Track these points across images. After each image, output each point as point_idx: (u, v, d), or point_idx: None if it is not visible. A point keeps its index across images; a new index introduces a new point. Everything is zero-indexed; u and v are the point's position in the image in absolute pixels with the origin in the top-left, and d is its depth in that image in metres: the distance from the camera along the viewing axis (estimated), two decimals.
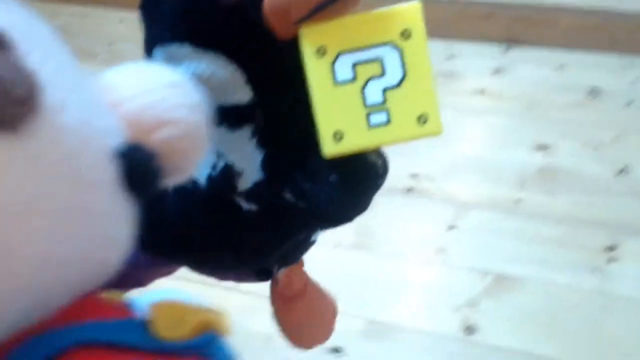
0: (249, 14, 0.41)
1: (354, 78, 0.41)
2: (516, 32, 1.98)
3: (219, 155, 0.44)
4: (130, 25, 2.19)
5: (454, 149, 1.60)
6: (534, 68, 1.91)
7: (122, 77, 0.38)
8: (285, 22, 0.39)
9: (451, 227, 1.37)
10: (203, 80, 0.42)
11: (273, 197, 0.45)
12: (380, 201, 1.44)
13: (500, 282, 1.24)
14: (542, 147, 1.59)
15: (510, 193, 1.45)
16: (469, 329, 1.16)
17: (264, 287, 1.25)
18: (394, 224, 1.39)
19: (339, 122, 0.41)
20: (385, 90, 0.40)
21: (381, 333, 1.17)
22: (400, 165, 1.55)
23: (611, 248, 1.28)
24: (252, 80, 0.43)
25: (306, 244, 0.51)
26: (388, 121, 0.41)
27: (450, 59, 1.95)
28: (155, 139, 0.36)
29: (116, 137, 0.34)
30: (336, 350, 1.14)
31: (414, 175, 1.51)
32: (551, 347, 1.12)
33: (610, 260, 1.26)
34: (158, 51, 0.44)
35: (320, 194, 0.45)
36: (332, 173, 0.45)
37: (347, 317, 1.19)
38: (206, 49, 0.42)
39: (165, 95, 0.37)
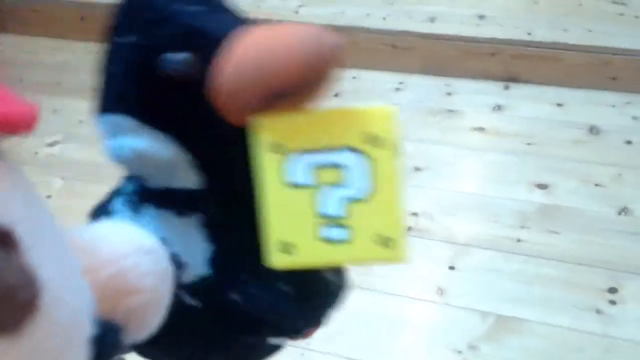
0: (195, 93, 0.36)
1: (311, 183, 0.36)
2: (516, 69, 1.99)
3: (164, 241, 0.40)
4: None
5: (453, 187, 1.60)
6: (533, 105, 1.91)
7: (98, 237, 0.38)
8: (236, 107, 0.35)
9: (451, 267, 1.36)
10: (146, 158, 0.39)
11: (219, 295, 0.41)
12: None
13: (502, 324, 1.23)
14: (543, 186, 1.59)
15: (511, 232, 1.44)
16: None
17: None
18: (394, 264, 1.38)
19: (289, 232, 0.37)
20: (346, 203, 0.36)
21: None
22: None
23: (613, 290, 1.27)
24: (201, 165, 0.39)
25: (264, 349, 0.46)
26: (347, 239, 0.36)
27: (450, 96, 1.95)
28: (123, 307, 0.36)
29: (92, 318, 0.34)
30: None
31: (414, 214, 1.51)
32: None
33: (613, 302, 1.25)
34: (105, 119, 0.41)
35: (268, 301, 0.41)
36: (282, 282, 0.41)
37: (344, 358, 1.17)
38: (150, 125, 0.39)
39: (137, 262, 0.37)
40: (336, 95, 1.97)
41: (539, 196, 1.56)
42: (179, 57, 0.36)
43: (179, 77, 0.36)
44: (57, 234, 0.34)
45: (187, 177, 0.40)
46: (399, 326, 1.25)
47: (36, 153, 1.78)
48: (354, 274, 1.32)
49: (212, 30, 0.36)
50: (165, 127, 0.38)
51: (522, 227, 1.46)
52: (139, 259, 0.38)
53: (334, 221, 0.36)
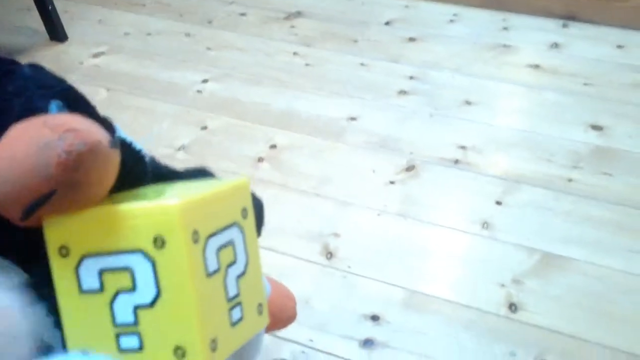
0: None
1: (101, 288, 0.33)
2: (577, 7, 1.91)
3: (35, 332, 0.38)
4: None
5: (505, 123, 1.55)
6: (592, 45, 1.84)
7: None
8: (14, 215, 0.33)
9: (499, 202, 1.33)
10: None
11: None
12: (427, 170, 1.41)
13: (548, 262, 1.20)
14: (598, 127, 1.53)
15: (563, 172, 1.40)
16: (512, 307, 1.12)
17: (305, 250, 1.22)
18: (440, 195, 1.35)
19: (87, 340, 0.34)
20: (136, 309, 0.33)
21: (421, 304, 1.14)
22: (448, 135, 1.51)
23: None
24: (20, 262, 0.38)
25: None
26: (140, 347, 0.33)
27: (506, 31, 1.88)
28: None
29: None
30: (374, 317, 1.11)
31: (462, 147, 1.47)
32: (597, 331, 1.08)
33: None
34: None
35: None
36: None
37: (388, 286, 1.16)
38: None
39: None
40: (387, 23, 1.92)
41: (593, 137, 1.50)
42: None
43: None
44: None
45: (16, 274, 0.39)
46: (442, 257, 1.23)
47: (81, 63, 1.76)
48: (398, 203, 1.30)
49: None
50: None
51: (575, 167, 1.41)
52: None
53: (127, 329, 0.34)
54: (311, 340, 1.07)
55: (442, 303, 1.14)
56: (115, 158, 0.34)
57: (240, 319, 0.35)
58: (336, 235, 1.26)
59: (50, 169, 0.31)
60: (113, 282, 0.34)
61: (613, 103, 1.62)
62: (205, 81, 1.68)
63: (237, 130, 1.52)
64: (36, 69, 0.39)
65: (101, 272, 0.34)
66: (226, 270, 0.35)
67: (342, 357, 1.06)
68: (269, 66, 1.75)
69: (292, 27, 1.92)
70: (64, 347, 0.37)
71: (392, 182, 1.38)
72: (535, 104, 1.62)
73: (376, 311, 1.12)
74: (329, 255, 1.22)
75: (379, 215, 1.30)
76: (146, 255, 0.33)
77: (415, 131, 1.52)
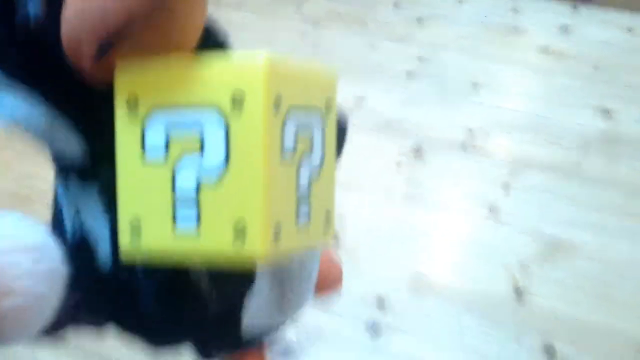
0: (51, 45, 0.31)
1: (166, 149, 0.30)
2: None
3: (77, 213, 0.35)
4: None
5: (512, 106, 1.54)
6: (602, 29, 1.82)
7: None
8: (83, 60, 0.30)
9: (506, 186, 1.32)
10: (15, 120, 0.34)
11: (125, 274, 0.35)
12: (432, 153, 1.40)
13: (555, 246, 1.19)
14: (606, 111, 1.52)
15: (570, 156, 1.39)
16: (518, 291, 1.12)
17: None
18: (446, 178, 1.34)
19: (140, 211, 0.31)
20: (199, 179, 0.29)
21: (427, 287, 1.14)
22: (455, 118, 1.50)
23: None
24: (80, 127, 0.34)
25: (243, 336, 0.39)
26: (196, 224, 0.29)
27: (515, 13, 1.87)
28: None
29: None
30: (380, 300, 1.11)
31: (470, 130, 1.46)
32: (602, 315, 1.08)
33: None
34: None
35: (149, 289, 0.35)
36: (153, 274, 0.35)
37: (394, 268, 1.16)
38: (17, 82, 0.33)
39: (17, 259, 0.34)
40: (395, 4, 1.90)
41: (601, 121, 1.49)
42: (29, 8, 0.31)
43: (33, 27, 0.31)
44: None
45: (70, 143, 0.34)
46: (448, 241, 1.22)
47: None
48: (403, 185, 1.30)
49: None
50: (30, 83, 0.33)
51: (583, 151, 1.40)
52: (16, 258, 0.35)
53: (185, 201, 0.30)
54: (317, 322, 1.07)
55: (446, 287, 1.14)
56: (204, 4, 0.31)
57: (308, 221, 0.31)
58: (341, 216, 1.26)
59: None
60: (179, 142, 0.30)
61: (622, 87, 1.60)
62: None
63: None
64: None
65: (168, 130, 0.30)
66: (301, 159, 0.31)
67: (347, 339, 1.06)
68: (276, 46, 1.74)
69: (299, 7, 1.91)
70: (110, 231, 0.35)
71: (398, 164, 1.37)
72: (543, 87, 1.61)
73: (382, 294, 1.12)
74: (334, 238, 1.22)
75: (384, 197, 1.30)
76: (221, 114, 0.29)
77: (422, 113, 1.51)
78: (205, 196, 0.29)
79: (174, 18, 0.29)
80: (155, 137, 0.30)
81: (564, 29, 1.81)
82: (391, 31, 1.79)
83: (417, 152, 1.39)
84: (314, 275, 0.41)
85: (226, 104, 0.29)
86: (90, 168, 0.34)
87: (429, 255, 1.20)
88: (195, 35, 0.31)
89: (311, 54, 1.71)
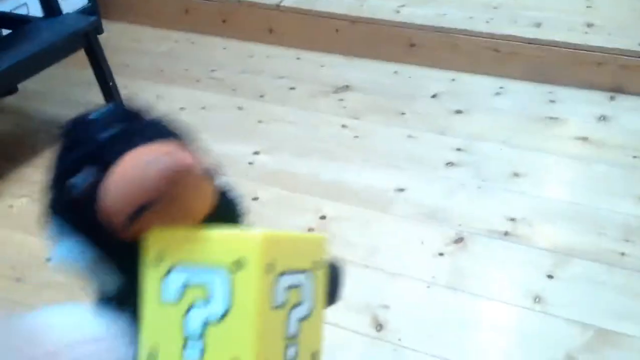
0: (91, 213, 0.41)
1: (180, 299, 0.39)
2: (624, 80, 1.92)
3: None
4: (231, 53, 2.25)
5: (554, 195, 1.55)
6: (639, 118, 1.84)
7: (49, 325, 0.40)
8: (116, 227, 0.40)
9: (550, 276, 1.32)
10: (70, 260, 0.44)
11: None
12: (476, 242, 1.41)
13: (602, 337, 1.18)
14: None
15: (615, 245, 1.39)
16: None
17: (354, 322, 1.22)
18: (490, 267, 1.35)
19: (157, 343, 0.39)
20: (206, 322, 0.37)
21: None
22: (497, 207, 1.51)
23: None
24: (117, 268, 0.44)
25: None
26: (200, 357, 0.37)
27: (553, 104, 1.90)
28: None
29: None
30: None
31: (512, 219, 1.47)
32: None
33: None
34: (50, 226, 0.46)
35: None
36: None
37: (439, 358, 1.15)
38: (72, 231, 0.44)
39: (91, 350, 0.39)
40: (433, 96, 1.95)
41: None
42: (79, 180, 0.42)
43: (81, 197, 0.42)
44: None
45: (108, 278, 0.44)
46: (493, 330, 1.22)
47: None
48: (447, 275, 1.30)
49: (109, 154, 0.41)
50: (82, 235, 0.44)
51: (627, 241, 1.40)
52: (90, 349, 0.39)
53: (193, 338, 0.38)
54: None
55: None
56: (206, 183, 0.42)
57: (294, 357, 0.38)
58: (385, 306, 1.26)
59: (153, 182, 0.38)
60: (191, 293, 0.38)
61: None
62: (256, 153, 1.72)
63: (287, 201, 1.55)
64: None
65: (184, 284, 0.39)
66: (290, 309, 0.38)
67: None
68: (318, 138, 1.79)
69: (341, 100, 1.97)
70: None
71: (440, 254, 1.38)
72: (583, 176, 1.62)
73: None
74: (379, 327, 1.22)
75: (428, 287, 1.30)
76: (226, 272, 0.37)
77: (463, 203, 1.53)
78: (209, 336, 0.37)
79: (181, 201, 0.40)
80: (172, 287, 0.39)
81: (602, 118, 1.84)
82: (430, 122, 1.84)
83: (460, 241, 1.41)
84: None
85: (230, 265, 0.37)
86: (124, 298, 0.43)
87: (476, 345, 1.19)
88: (202, 210, 0.41)
89: (352, 145, 1.76)
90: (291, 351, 0.38)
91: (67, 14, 1.88)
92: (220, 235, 0.39)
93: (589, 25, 2.04)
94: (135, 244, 0.41)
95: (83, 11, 2.32)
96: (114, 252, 0.43)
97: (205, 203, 0.41)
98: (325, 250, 0.42)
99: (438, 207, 1.52)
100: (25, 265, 1.41)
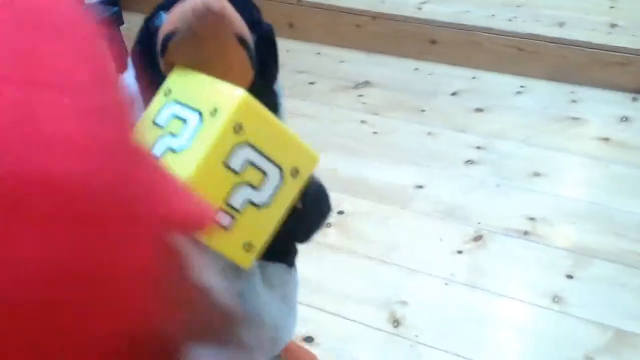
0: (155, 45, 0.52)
1: (164, 126, 0.43)
2: None
3: None
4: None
5: (575, 195, 1.54)
6: None
7: None
8: (159, 51, 0.49)
9: (570, 276, 1.31)
10: (134, 84, 0.53)
11: None
12: (495, 240, 1.40)
13: (622, 339, 1.17)
14: None
15: (634, 246, 1.38)
16: None
17: (371, 317, 1.22)
18: (508, 266, 1.34)
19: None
20: (168, 149, 0.42)
21: None
22: (516, 206, 1.50)
23: None
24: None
25: None
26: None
27: (574, 104, 1.89)
28: None
29: None
30: None
31: (531, 218, 1.46)
32: None
33: None
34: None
35: None
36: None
37: (457, 357, 1.15)
38: (143, 63, 0.54)
39: None
40: (454, 94, 1.94)
41: None
42: (154, 20, 0.50)
43: (154, 31, 0.50)
44: None
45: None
46: (511, 329, 1.21)
47: None
48: (465, 273, 1.30)
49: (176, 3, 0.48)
50: (146, 67, 0.51)
51: None
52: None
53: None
54: None
55: None
56: (235, 45, 0.47)
57: (227, 227, 0.41)
58: (403, 303, 1.26)
59: (183, 13, 0.44)
60: (173, 124, 0.43)
61: None
62: None
63: None
64: None
65: (172, 114, 0.43)
66: (241, 184, 0.41)
67: None
68: (337, 134, 1.79)
69: (361, 95, 1.97)
70: None
71: (459, 252, 1.38)
72: (604, 176, 1.61)
73: None
74: (396, 323, 1.22)
75: (446, 284, 1.30)
76: (202, 116, 0.41)
77: (483, 201, 1.52)
78: (167, 160, 0.41)
79: (202, 42, 0.46)
80: (164, 116, 0.44)
81: (624, 119, 1.82)
82: (450, 120, 1.83)
83: (479, 239, 1.40)
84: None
85: (207, 112, 0.41)
86: None
87: (494, 344, 1.18)
88: (224, 68, 0.46)
89: (371, 141, 1.75)
90: (226, 218, 0.41)
91: (90, 4, 1.89)
92: (214, 84, 0.43)
93: (612, 25, 2.02)
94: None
95: (104, 2, 2.33)
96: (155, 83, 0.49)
97: (228, 62, 0.46)
98: (312, 169, 0.45)
99: (457, 204, 1.51)
100: None
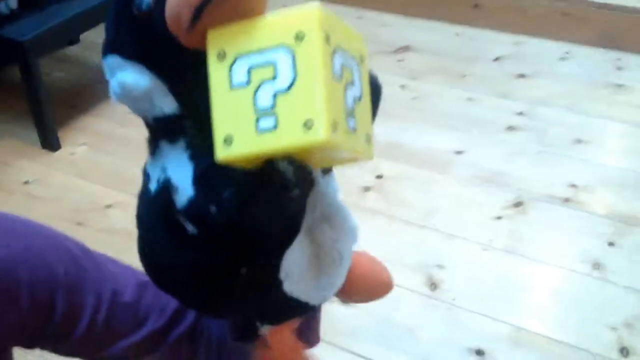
0: (158, 24, 0.42)
1: (248, 82, 0.40)
2: None
3: (163, 170, 0.46)
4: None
5: (618, 163, 1.51)
6: None
7: None
8: (181, 29, 0.41)
9: (611, 243, 1.29)
10: (128, 89, 0.45)
11: (204, 213, 0.44)
12: (535, 207, 1.39)
13: None
14: None
15: None
16: (624, 351, 1.09)
17: (409, 280, 1.23)
18: (548, 232, 1.33)
19: (231, 127, 0.40)
20: (275, 95, 0.39)
21: (528, 342, 1.12)
22: (558, 173, 1.48)
23: None
24: (174, 89, 0.45)
25: (285, 301, 0.47)
26: (275, 126, 0.39)
27: (620, 71, 1.84)
28: None
29: None
30: (480, 352, 1.10)
31: (573, 186, 1.44)
32: None
33: None
34: (104, 60, 0.47)
35: (234, 202, 0.42)
36: (245, 182, 0.42)
37: (494, 321, 1.15)
38: (128, 59, 0.45)
39: None
40: (496, 59, 1.92)
41: None
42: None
43: (145, 15, 0.43)
44: None
45: (165, 104, 0.45)
46: (550, 295, 1.21)
47: None
48: (504, 238, 1.29)
49: None
50: (138, 58, 0.45)
51: None
52: None
53: (265, 113, 0.39)
54: None
55: (549, 342, 1.12)
56: None
57: (355, 130, 0.40)
58: (441, 267, 1.26)
59: None
60: (258, 75, 0.40)
61: None
62: None
63: None
64: None
65: (250, 69, 0.40)
66: (346, 85, 0.40)
67: None
68: None
69: (400, 60, 1.95)
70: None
71: (498, 218, 1.37)
72: None
73: (481, 346, 1.11)
74: (433, 286, 1.22)
75: (484, 249, 1.30)
76: (288, 47, 0.39)
77: (524, 167, 1.50)
78: (280, 105, 0.39)
79: None
80: (239, 74, 0.40)
81: None
82: (492, 86, 1.81)
83: (519, 205, 1.39)
84: (347, 264, 0.49)
85: (291, 40, 0.39)
86: (179, 127, 0.45)
87: (532, 309, 1.18)
88: (263, 4, 0.41)
89: (411, 106, 1.74)
90: (351, 121, 0.40)
91: None
92: (274, 18, 0.40)
93: None
94: (193, 62, 0.43)
95: None
96: (172, 73, 0.45)
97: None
98: (366, 49, 0.43)
99: (497, 170, 1.50)
100: (87, 210, 1.45)
